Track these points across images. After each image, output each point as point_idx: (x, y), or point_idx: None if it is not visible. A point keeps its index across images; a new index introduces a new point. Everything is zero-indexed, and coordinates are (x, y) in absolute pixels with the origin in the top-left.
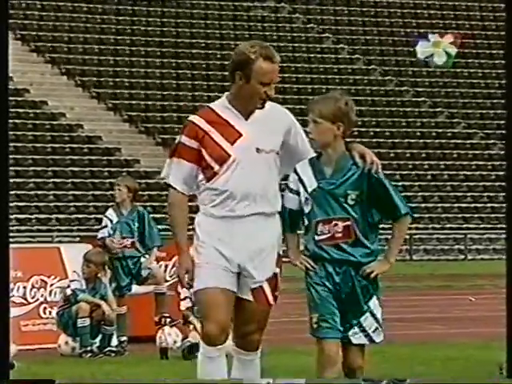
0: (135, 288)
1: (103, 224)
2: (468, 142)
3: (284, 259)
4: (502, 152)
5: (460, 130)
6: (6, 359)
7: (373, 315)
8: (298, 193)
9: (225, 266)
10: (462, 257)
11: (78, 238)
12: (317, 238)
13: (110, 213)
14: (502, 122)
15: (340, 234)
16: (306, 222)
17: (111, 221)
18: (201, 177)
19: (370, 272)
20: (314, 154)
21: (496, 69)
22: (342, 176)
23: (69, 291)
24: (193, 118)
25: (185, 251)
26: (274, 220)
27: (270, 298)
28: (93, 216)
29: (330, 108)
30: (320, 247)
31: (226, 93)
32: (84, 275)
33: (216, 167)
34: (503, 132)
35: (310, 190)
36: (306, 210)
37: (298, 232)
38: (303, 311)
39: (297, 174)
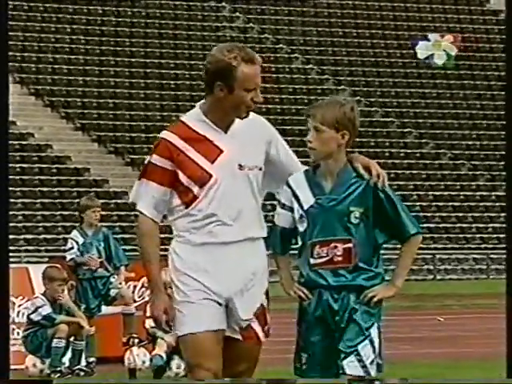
0: (103, 309)
1: (69, 246)
2: (436, 162)
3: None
4: (471, 172)
5: (429, 151)
6: (5, 359)
7: (372, 344)
8: (291, 209)
9: (211, 302)
10: (431, 277)
11: (46, 259)
12: (312, 261)
13: (75, 234)
14: (470, 142)
15: (340, 258)
16: (300, 243)
17: (77, 242)
18: (177, 202)
19: (372, 296)
20: (302, 168)
21: (495, 100)
22: (344, 191)
23: (37, 316)
24: (165, 134)
25: (160, 288)
26: (261, 245)
27: (261, 334)
28: (61, 236)
29: (335, 114)
30: (316, 272)
31: (199, 103)
32: (49, 293)
33: (195, 190)
34: (472, 152)
35: (305, 206)
36: (301, 228)
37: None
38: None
39: (290, 188)
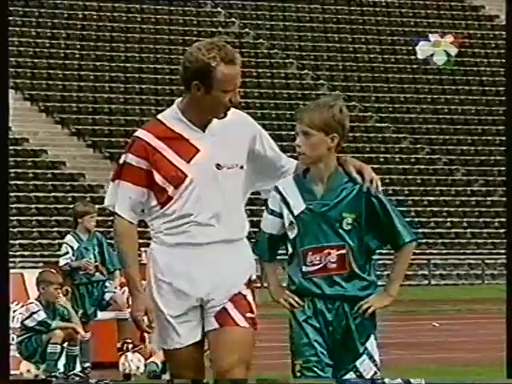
0: (100, 314)
1: (64, 251)
2: (431, 167)
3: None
4: (465, 178)
5: (423, 156)
6: (6, 359)
7: (370, 358)
8: (280, 215)
9: (186, 309)
10: (426, 282)
11: (41, 264)
12: (305, 269)
13: (70, 239)
14: (465, 147)
15: (334, 265)
16: (291, 250)
17: (72, 247)
18: (153, 202)
19: (367, 307)
20: (292, 162)
21: (494, 118)
22: (336, 196)
23: (32, 322)
24: (140, 133)
25: (139, 288)
26: (242, 246)
27: (238, 318)
28: (56, 242)
29: (323, 117)
30: (309, 280)
31: (177, 100)
32: (44, 298)
33: (170, 190)
34: (466, 157)
35: (296, 212)
36: (291, 235)
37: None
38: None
39: (279, 194)
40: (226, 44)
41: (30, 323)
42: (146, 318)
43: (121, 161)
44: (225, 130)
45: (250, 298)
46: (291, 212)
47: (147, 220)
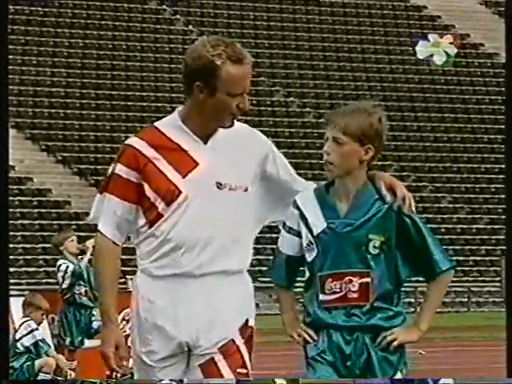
0: (87, 342)
1: (60, 275)
2: (417, 194)
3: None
4: (451, 205)
5: (410, 184)
6: (6, 359)
7: None
8: (298, 234)
9: (169, 353)
10: (412, 310)
11: (27, 292)
12: (322, 297)
13: (61, 263)
14: (451, 175)
15: (355, 295)
16: (308, 275)
17: (67, 267)
18: (142, 221)
19: (392, 340)
20: (310, 185)
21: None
22: (363, 215)
23: (30, 340)
24: (132, 140)
25: (112, 319)
26: (241, 280)
27: (227, 372)
28: (42, 269)
29: (360, 124)
30: (326, 310)
31: (178, 108)
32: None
33: (161, 207)
34: (452, 185)
35: (316, 231)
36: (309, 258)
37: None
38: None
39: (298, 209)
40: (235, 42)
41: (26, 342)
42: (115, 355)
43: (109, 171)
44: (230, 144)
45: (243, 349)
46: (310, 230)
47: (134, 243)
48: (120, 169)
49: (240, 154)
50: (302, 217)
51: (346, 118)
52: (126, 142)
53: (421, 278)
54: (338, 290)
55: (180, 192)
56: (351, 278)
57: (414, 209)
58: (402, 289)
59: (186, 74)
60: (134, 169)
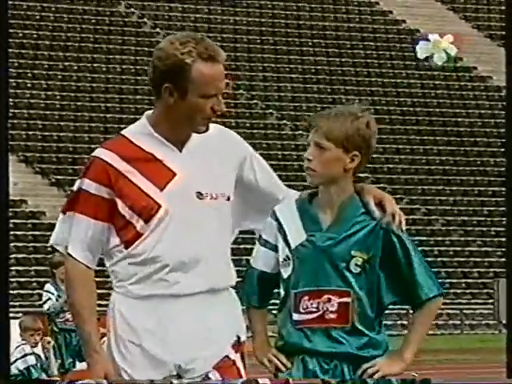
0: (78, 365)
1: (45, 298)
2: (410, 217)
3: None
4: (443, 228)
5: (403, 206)
6: (5, 359)
7: None
8: (275, 248)
9: (159, 378)
10: (405, 332)
11: (20, 314)
12: (296, 316)
13: (49, 287)
14: (444, 197)
15: (333, 316)
16: (283, 293)
17: (53, 294)
18: (115, 241)
19: (373, 373)
20: (294, 195)
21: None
22: (347, 229)
23: (23, 364)
24: (100, 152)
25: (96, 349)
26: (228, 297)
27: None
28: (36, 292)
29: (346, 128)
30: (300, 331)
31: (147, 113)
32: (28, 345)
33: (139, 225)
34: (445, 208)
35: (294, 244)
36: (285, 274)
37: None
38: None
39: (276, 220)
40: (207, 38)
41: (20, 366)
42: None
43: (75, 187)
44: (207, 150)
45: (239, 364)
46: (287, 243)
47: (107, 265)
48: (88, 184)
49: (218, 161)
50: (281, 229)
51: (330, 121)
52: (93, 154)
53: None
54: (314, 310)
55: (159, 206)
56: (330, 296)
57: (404, 227)
58: (395, 311)
59: (154, 75)
60: (104, 184)
